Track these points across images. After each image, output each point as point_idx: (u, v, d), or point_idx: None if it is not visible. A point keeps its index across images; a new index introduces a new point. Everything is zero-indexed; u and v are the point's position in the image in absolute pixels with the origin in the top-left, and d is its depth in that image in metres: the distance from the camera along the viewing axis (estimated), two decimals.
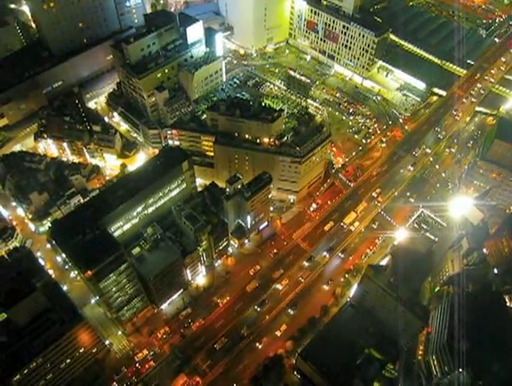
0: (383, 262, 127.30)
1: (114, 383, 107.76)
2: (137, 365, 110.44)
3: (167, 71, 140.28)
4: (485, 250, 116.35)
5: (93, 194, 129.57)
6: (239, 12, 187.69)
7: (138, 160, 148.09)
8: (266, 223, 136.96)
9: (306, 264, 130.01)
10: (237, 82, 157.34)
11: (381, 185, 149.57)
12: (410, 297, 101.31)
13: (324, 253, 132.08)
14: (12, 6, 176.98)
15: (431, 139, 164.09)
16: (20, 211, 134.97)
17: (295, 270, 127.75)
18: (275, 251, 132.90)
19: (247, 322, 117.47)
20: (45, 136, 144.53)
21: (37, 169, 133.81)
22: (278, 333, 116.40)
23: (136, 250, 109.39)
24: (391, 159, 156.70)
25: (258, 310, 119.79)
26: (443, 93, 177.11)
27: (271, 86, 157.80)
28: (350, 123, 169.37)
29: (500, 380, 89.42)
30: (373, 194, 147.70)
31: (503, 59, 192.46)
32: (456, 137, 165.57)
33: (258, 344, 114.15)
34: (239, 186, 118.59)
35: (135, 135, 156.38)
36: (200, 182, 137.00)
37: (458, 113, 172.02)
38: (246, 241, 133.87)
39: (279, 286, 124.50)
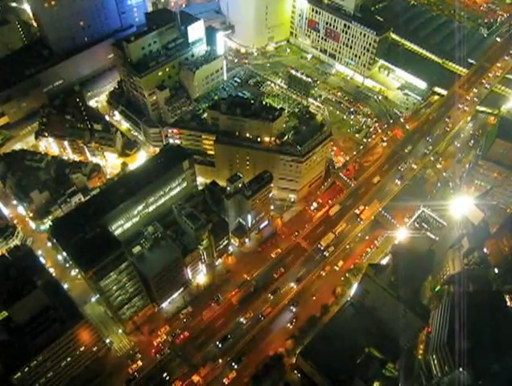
0: (384, 261, 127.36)
1: (139, 361, 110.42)
2: (160, 346, 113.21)
3: (167, 69, 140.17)
4: (485, 250, 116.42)
5: (94, 192, 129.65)
6: (240, 11, 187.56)
7: (139, 159, 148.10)
8: (266, 222, 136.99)
9: (271, 297, 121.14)
10: (238, 81, 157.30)
11: (365, 201, 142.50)
12: (410, 296, 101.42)
13: (292, 284, 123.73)
14: (13, 4, 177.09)
15: (418, 153, 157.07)
16: (21, 210, 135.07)
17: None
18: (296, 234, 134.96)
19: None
20: (46, 134, 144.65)
21: (38, 167, 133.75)
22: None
23: (137, 249, 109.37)
24: (392, 159, 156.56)
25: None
26: (445, 92, 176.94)
27: (272, 85, 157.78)
28: (351, 122, 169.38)
29: (500, 380, 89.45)
30: (356, 210, 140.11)
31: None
32: (442, 154, 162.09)
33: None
34: (240, 185, 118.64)
35: (136, 134, 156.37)
36: (200, 180, 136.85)
37: (449, 124, 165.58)
38: (247, 240, 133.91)
39: (243, 320, 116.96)
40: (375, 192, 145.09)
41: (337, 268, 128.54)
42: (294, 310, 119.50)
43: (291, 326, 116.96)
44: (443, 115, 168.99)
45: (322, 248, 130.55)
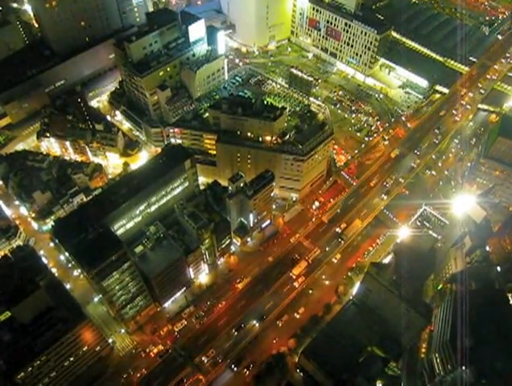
0: (386, 260, 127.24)
1: (160, 346, 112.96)
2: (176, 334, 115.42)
3: (169, 69, 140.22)
4: (487, 248, 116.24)
5: (96, 192, 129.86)
6: (241, 10, 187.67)
7: (141, 158, 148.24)
8: (268, 222, 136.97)
9: (235, 333, 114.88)
10: (239, 80, 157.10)
11: (347, 219, 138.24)
12: (413, 295, 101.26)
13: (254, 322, 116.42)
14: (14, 5, 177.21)
15: (405, 167, 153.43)
16: (23, 210, 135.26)
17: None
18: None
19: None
20: (48, 135, 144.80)
21: (40, 168, 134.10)
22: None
23: (139, 248, 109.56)
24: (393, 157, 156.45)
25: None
26: (446, 91, 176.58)
27: (273, 84, 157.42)
28: (352, 121, 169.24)
29: (503, 378, 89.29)
30: (337, 229, 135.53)
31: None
32: (443, 152, 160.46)
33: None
34: (241, 185, 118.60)
35: (138, 134, 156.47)
36: (202, 180, 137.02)
37: (437, 136, 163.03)
38: (249, 239, 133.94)
39: (205, 359, 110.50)
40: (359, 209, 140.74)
41: (298, 316, 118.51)
42: (235, 369, 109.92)
43: None
44: (450, 108, 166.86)
45: (294, 277, 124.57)
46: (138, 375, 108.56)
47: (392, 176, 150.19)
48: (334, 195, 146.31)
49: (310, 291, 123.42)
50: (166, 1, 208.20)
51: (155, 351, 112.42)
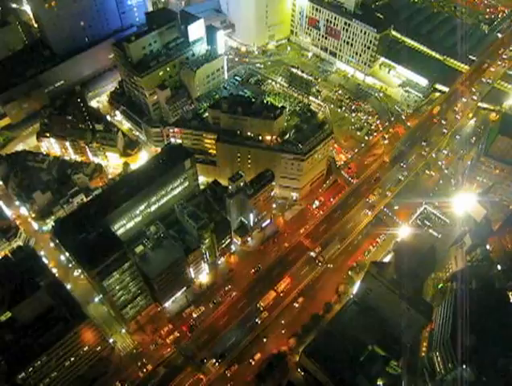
0: (386, 259, 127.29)
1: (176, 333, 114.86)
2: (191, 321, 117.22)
3: (168, 69, 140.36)
4: (488, 246, 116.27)
5: (96, 192, 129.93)
6: (240, 9, 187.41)
7: (141, 158, 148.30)
8: (268, 221, 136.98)
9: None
10: (239, 80, 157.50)
11: (324, 240, 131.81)
12: (413, 293, 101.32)
13: (213, 360, 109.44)
14: (14, 5, 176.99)
15: (392, 179, 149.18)
16: (23, 210, 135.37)
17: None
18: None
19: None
20: (48, 135, 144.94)
21: (40, 168, 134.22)
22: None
23: (139, 248, 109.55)
24: (393, 157, 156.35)
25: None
26: (446, 89, 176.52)
27: (273, 83, 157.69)
28: (352, 120, 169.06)
29: (503, 377, 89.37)
30: (312, 253, 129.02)
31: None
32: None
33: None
34: (241, 184, 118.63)
35: (137, 134, 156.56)
36: (202, 180, 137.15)
37: (425, 148, 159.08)
38: (249, 239, 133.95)
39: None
40: (337, 229, 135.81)
41: (253, 362, 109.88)
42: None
43: None
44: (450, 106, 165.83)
45: (261, 309, 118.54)
46: (167, 350, 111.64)
47: (376, 191, 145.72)
48: (334, 195, 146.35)
49: (264, 339, 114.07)
50: (165, 0, 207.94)
51: (171, 337, 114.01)
